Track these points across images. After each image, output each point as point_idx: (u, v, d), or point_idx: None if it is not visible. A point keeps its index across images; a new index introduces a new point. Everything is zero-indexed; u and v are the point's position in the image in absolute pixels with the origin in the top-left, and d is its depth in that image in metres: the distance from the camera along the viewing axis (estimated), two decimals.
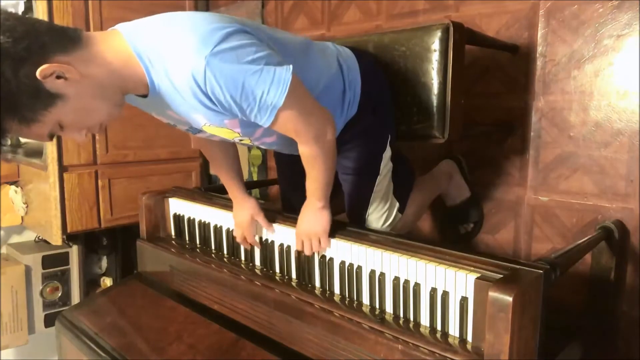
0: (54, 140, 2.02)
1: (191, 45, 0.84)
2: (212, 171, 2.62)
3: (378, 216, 1.32)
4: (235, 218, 1.31)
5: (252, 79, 0.86)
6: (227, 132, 1.03)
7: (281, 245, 1.25)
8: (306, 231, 1.15)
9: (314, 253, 1.16)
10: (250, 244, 1.31)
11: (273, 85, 0.88)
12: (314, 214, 1.14)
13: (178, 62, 0.86)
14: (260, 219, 1.26)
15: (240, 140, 1.10)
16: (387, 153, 1.28)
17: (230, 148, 1.29)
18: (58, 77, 0.80)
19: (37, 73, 0.77)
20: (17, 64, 0.76)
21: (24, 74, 0.77)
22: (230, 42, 0.85)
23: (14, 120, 0.80)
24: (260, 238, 1.30)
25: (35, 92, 0.79)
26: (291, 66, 0.91)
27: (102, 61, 0.86)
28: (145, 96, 0.94)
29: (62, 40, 0.82)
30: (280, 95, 0.89)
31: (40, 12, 1.97)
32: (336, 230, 1.15)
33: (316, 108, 1.01)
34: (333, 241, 1.13)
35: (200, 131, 1.06)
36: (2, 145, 0.83)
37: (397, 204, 1.35)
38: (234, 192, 1.30)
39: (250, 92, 0.87)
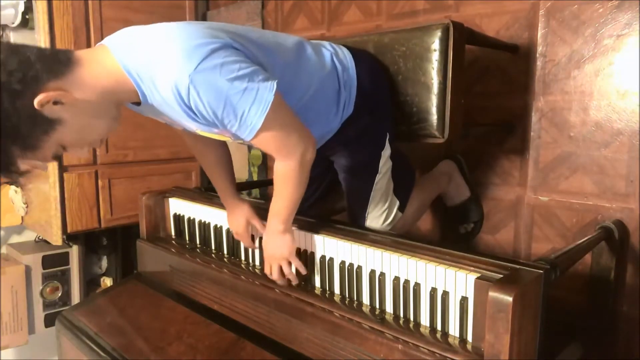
0: None
1: (175, 62, 0.86)
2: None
3: (378, 215, 1.31)
4: (230, 224, 1.31)
5: (234, 97, 0.88)
6: (219, 136, 1.05)
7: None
8: (273, 256, 1.14)
9: (287, 278, 1.15)
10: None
11: (254, 105, 0.89)
12: (276, 238, 1.13)
13: (163, 77, 0.87)
14: (256, 222, 1.25)
15: (235, 140, 1.10)
16: (386, 151, 1.28)
17: (222, 151, 1.29)
18: (55, 103, 0.81)
19: (35, 103, 0.79)
20: (14, 97, 0.77)
21: (21, 106, 0.78)
22: (214, 60, 0.87)
23: (17, 149, 0.81)
24: (260, 239, 1.30)
25: (34, 120, 0.80)
26: (275, 83, 0.91)
27: (94, 81, 0.87)
28: (138, 104, 0.96)
29: (54, 65, 0.83)
30: (260, 116, 0.90)
31: (40, 12, 1.97)
32: (336, 230, 1.15)
33: (298, 127, 1.01)
34: (333, 241, 1.13)
35: (195, 133, 1.07)
36: (15, 173, 0.83)
37: (398, 203, 1.34)
38: (226, 196, 1.30)
39: (231, 110, 0.89)
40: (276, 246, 1.13)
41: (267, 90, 0.90)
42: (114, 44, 0.92)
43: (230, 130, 0.94)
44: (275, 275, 1.14)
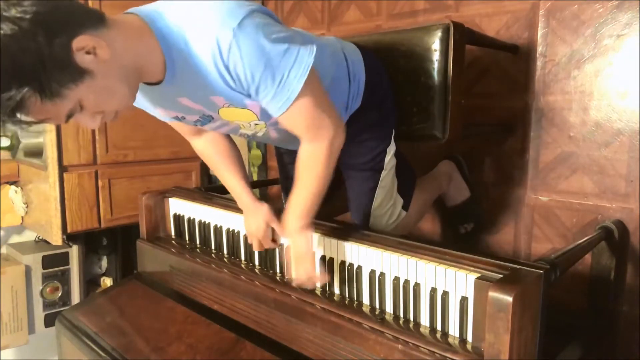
0: (54, 140, 2.02)
1: (218, 17, 0.83)
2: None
3: (382, 213, 1.31)
4: (247, 227, 1.23)
5: (275, 58, 0.86)
6: (246, 113, 1.00)
7: (281, 245, 1.25)
8: (299, 258, 1.06)
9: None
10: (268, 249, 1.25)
11: (294, 67, 0.87)
12: (296, 237, 1.06)
13: (202, 32, 0.84)
14: (276, 225, 1.18)
15: (256, 125, 1.07)
16: (392, 148, 1.27)
17: (234, 154, 1.26)
18: (87, 53, 0.78)
19: (74, 43, 0.75)
20: (53, 32, 0.73)
21: (58, 43, 0.74)
22: (255, 19, 0.85)
23: (36, 92, 0.74)
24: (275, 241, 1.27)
25: (66, 64, 0.76)
26: (315, 48, 0.89)
27: (125, 42, 0.85)
28: (159, 83, 0.92)
29: (93, 17, 0.81)
30: (299, 80, 0.88)
31: None
32: (336, 230, 1.15)
33: (330, 108, 0.99)
34: (333, 241, 1.13)
35: (212, 119, 1.03)
36: (16, 122, 0.77)
37: (402, 201, 1.34)
38: (244, 198, 1.23)
39: (270, 73, 0.86)
40: (299, 246, 1.06)
41: (307, 53, 0.88)
42: (144, 10, 0.89)
43: (263, 100, 0.90)
44: (302, 277, 1.06)
